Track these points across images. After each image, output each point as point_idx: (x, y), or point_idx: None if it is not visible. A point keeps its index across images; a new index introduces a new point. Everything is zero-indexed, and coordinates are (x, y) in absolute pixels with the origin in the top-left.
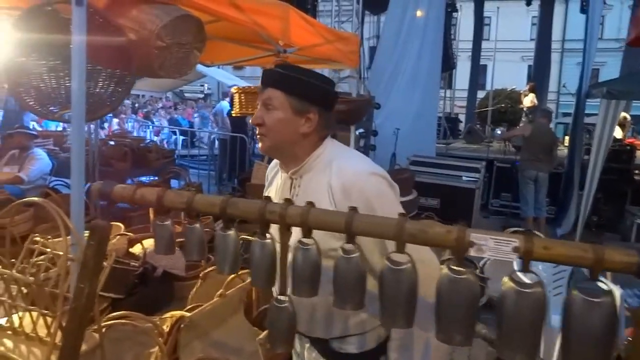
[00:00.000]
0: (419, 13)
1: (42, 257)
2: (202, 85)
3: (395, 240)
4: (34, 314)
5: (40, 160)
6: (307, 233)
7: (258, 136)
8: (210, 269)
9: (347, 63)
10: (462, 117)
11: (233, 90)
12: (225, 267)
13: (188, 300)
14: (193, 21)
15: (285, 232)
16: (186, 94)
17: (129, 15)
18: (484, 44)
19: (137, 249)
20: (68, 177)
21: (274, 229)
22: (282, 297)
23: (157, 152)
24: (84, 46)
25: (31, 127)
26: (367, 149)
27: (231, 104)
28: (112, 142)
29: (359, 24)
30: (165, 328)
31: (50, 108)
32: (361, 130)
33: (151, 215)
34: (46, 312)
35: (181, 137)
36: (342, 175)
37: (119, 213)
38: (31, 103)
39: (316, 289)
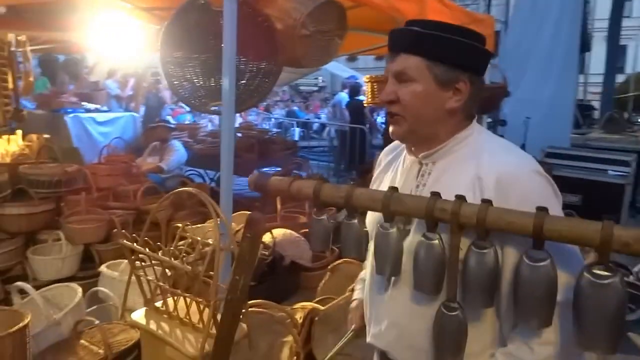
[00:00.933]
0: None
1: (183, 242)
2: (317, 79)
3: (600, 249)
4: (188, 299)
5: (177, 151)
6: (483, 234)
7: (391, 118)
8: (339, 261)
9: None
10: (595, 104)
11: (365, 79)
12: (387, 269)
13: (317, 292)
14: (336, 8)
15: (457, 232)
16: (301, 87)
17: (276, 5)
18: (624, 22)
19: (264, 238)
20: (201, 167)
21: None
22: (452, 304)
23: (280, 144)
24: (235, 36)
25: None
26: None
27: (350, 94)
28: (239, 134)
29: (486, 6)
30: (298, 319)
31: (203, 100)
32: (489, 120)
33: (278, 205)
34: (200, 299)
35: (298, 129)
36: (498, 169)
37: (245, 202)
38: (185, 95)
39: (492, 298)
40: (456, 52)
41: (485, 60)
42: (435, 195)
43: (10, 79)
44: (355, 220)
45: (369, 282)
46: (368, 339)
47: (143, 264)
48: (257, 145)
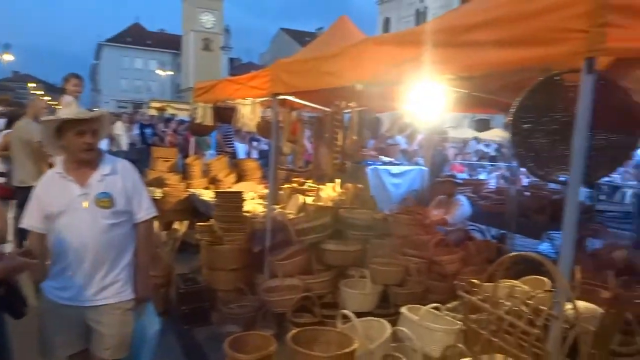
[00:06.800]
0: None
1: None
2: None
3: None
4: None
5: (462, 206)
6: None
7: None
8: None
9: None
10: None
11: None
12: None
13: None
14: None
15: None
16: None
17: (633, 76)
18: None
19: None
20: (483, 223)
21: None
22: None
23: None
24: (589, 111)
25: None
26: None
27: None
28: (528, 193)
29: None
30: None
31: (546, 169)
32: None
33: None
34: None
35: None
36: None
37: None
38: (530, 164)
39: None
40: None
41: None
42: None
43: (340, 137)
44: None
45: None
46: None
47: (477, 316)
48: (549, 207)
